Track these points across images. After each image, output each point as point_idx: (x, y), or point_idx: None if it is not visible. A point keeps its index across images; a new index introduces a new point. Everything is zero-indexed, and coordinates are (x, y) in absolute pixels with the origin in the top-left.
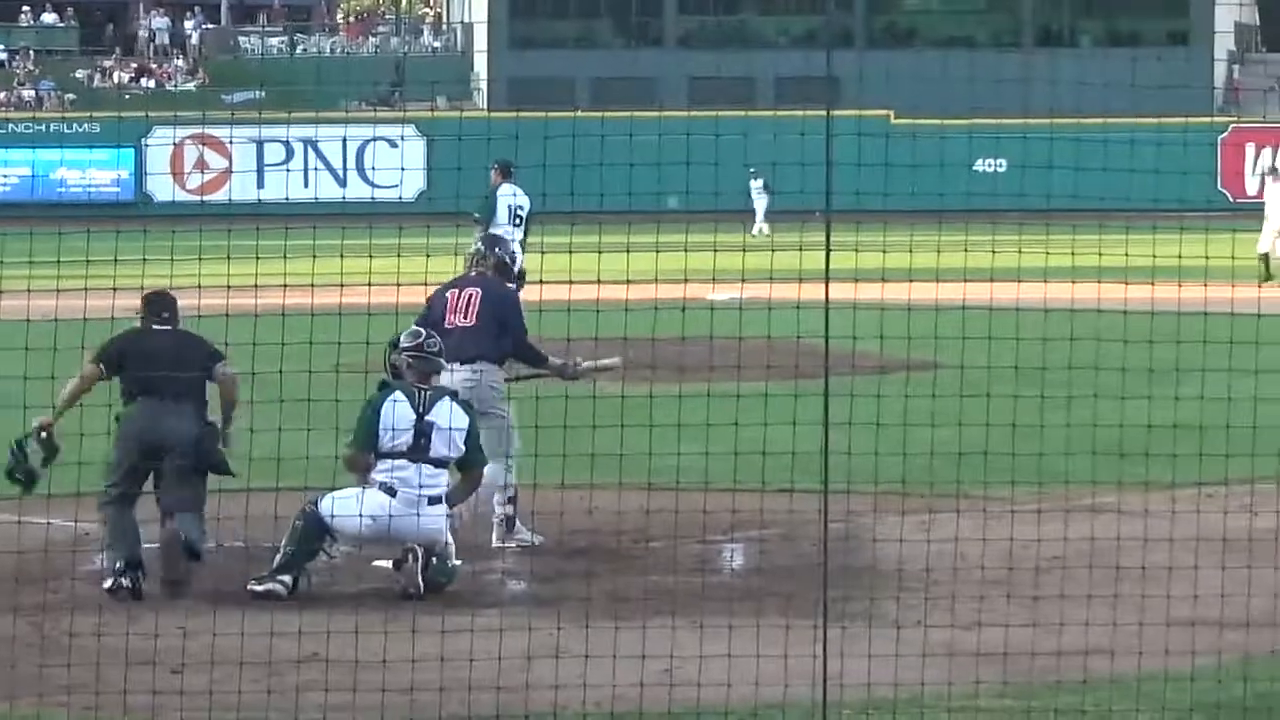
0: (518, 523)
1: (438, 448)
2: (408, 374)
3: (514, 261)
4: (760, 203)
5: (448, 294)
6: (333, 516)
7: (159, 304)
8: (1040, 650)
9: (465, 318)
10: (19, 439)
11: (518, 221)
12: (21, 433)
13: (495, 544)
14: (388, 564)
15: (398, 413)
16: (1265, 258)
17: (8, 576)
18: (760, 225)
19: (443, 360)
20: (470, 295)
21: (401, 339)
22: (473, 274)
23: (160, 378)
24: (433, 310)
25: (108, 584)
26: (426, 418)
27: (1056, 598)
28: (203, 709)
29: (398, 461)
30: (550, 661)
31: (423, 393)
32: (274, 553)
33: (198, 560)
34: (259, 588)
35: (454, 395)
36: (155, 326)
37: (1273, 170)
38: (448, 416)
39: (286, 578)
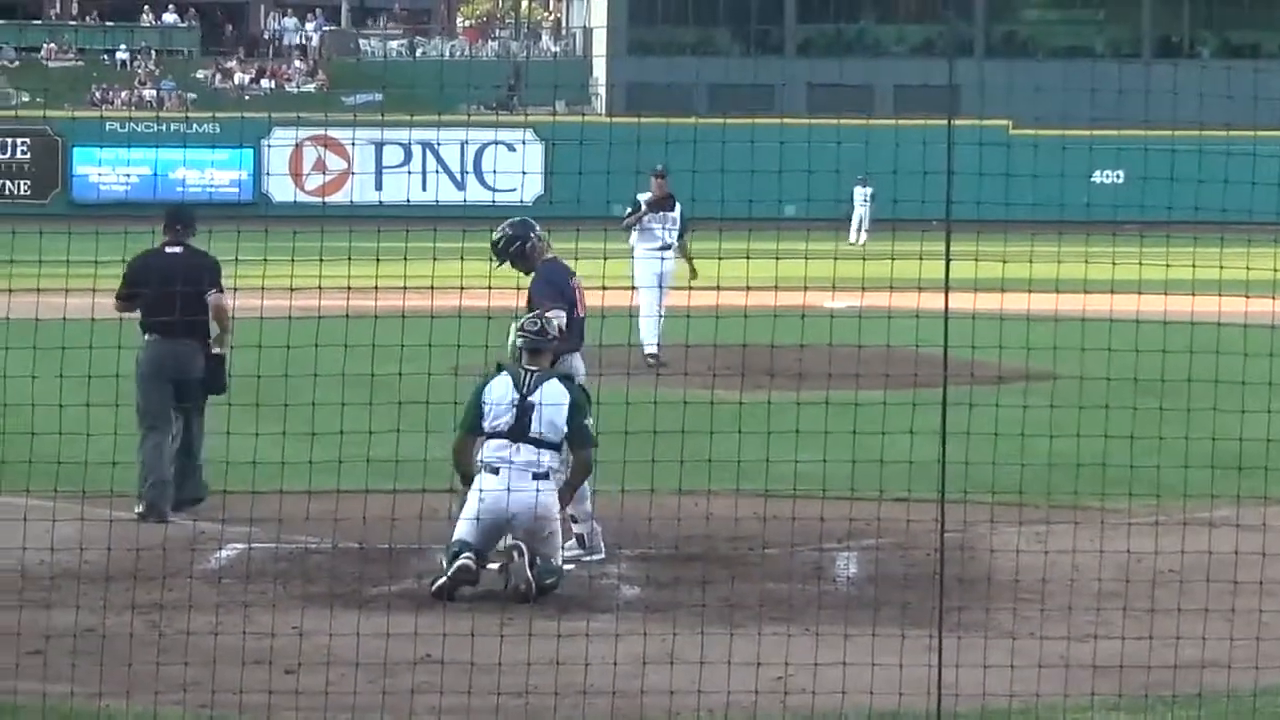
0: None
1: (537, 427)
2: (523, 356)
3: None
4: (863, 211)
5: (573, 282)
6: (455, 536)
7: (174, 218)
8: (1156, 664)
9: (583, 309)
10: None
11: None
12: None
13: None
14: (496, 567)
15: (499, 394)
16: None
17: (126, 574)
18: (860, 234)
19: (545, 339)
20: (580, 286)
21: None
22: (560, 261)
23: (170, 318)
24: (566, 297)
25: (138, 509)
26: (529, 398)
27: (1173, 611)
28: (317, 709)
29: (500, 441)
30: (665, 667)
31: (529, 374)
32: (391, 554)
33: (201, 501)
34: (443, 579)
35: (564, 377)
36: (168, 248)
37: None
38: (549, 396)
39: (464, 553)
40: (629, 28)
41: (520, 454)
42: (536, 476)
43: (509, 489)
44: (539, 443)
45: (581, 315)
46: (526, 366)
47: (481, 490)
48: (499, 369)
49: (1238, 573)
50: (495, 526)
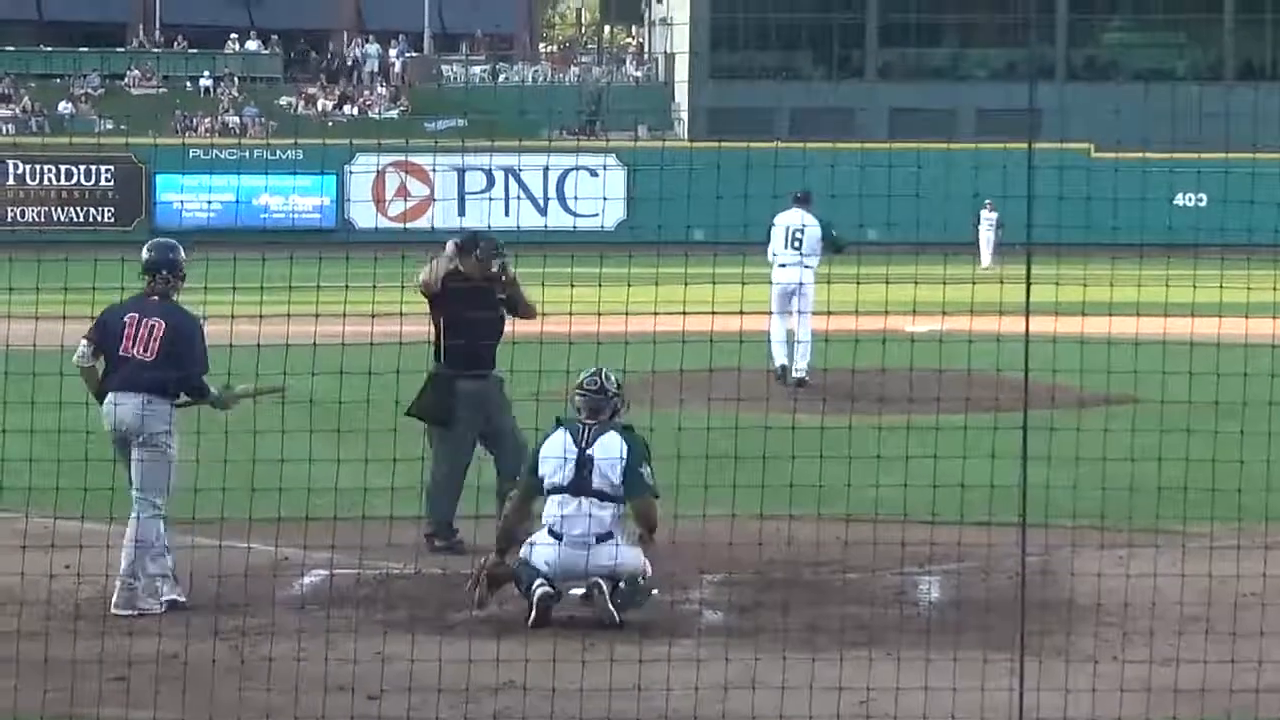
0: (163, 585)
1: (597, 481)
2: (581, 412)
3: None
4: (989, 236)
5: (126, 318)
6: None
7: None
8: (1239, 687)
9: (144, 351)
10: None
11: (796, 244)
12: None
13: (114, 610)
14: (580, 593)
15: (554, 448)
16: None
17: (208, 601)
18: (989, 259)
19: (605, 398)
20: (153, 326)
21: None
22: (154, 299)
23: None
24: (107, 333)
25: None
26: (588, 451)
27: (1255, 634)
28: None
29: (560, 497)
30: (747, 692)
31: (588, 428)
32: (471, 580)
33: None
34: (532, 614)
35: (625, 429)
36: None
37: None
38: (605, 448)
39: (535, 579)
40: (711, 53)
41: (582, 510)
42: (600, 540)
43: (566, 558)
44: (601, 496)
45: (139, 356)
46: (585, 421)
47: (544, 560)
48: (557, 424)
49: None
50: (570, 577)
